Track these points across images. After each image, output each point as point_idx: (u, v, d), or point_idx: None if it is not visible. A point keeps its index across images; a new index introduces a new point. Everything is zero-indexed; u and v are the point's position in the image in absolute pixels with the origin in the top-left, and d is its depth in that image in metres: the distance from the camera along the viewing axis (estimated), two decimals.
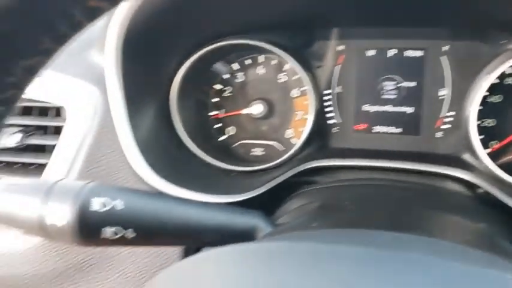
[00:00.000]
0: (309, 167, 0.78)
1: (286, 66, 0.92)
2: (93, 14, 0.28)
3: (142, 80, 0.82)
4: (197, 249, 0.76)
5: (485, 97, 0.78)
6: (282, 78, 0.92)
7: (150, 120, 0.84)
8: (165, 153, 0.85)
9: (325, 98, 0.89)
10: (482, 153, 0.78)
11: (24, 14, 0.26)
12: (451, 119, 0.84)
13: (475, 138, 0.78)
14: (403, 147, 0.87)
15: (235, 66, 0.94)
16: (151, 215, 0.56)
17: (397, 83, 0.87)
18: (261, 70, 0.93)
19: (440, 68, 0.84)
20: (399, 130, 0.88)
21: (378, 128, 0.89)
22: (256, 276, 0.32)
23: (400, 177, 0.75)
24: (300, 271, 0.32)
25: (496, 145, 0.81)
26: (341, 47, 0.88)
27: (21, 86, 0.29)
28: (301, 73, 0.87)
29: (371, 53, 0.88)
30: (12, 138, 0.81)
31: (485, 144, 0.80)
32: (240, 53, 0.93)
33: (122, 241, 0.56)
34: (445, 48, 0.83)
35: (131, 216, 0.55)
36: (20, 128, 0.83)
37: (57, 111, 0.82)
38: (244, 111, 0.93)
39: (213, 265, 0.36)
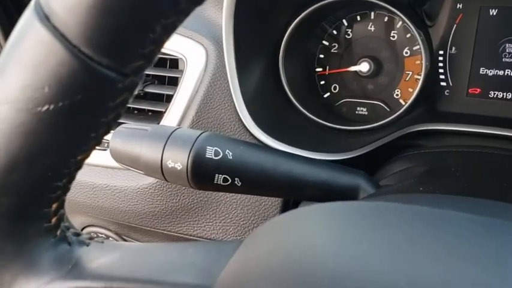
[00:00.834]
0: (415, 129, 0.76)
1: (398, 24, 0.88)
2: None
3: (253, 36, 0.84)
4: (297, 203, 0.79)
5: None
6: (393, 36, 0.89)
7: (257, 75, 0.86)
8: (270, 109, 0.87)
9: (439, 58, 0.85)
10: None
11: None
12: None
13: None
14: None
15: (345, 22, 0.92)
16: (257, 167, 0.59)
17: None
18: (371, 27, 0.91)
19: None
20: None
21: (493, 93, 0.83)
22: (357, 233, 0.33)
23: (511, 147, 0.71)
24: (401, 233, 0.32)
25: None
26: (459, 5, 0.82)
27: (159, 43, 0.32)
28: (414, 31, 0.83)
29: (493, 12, 0.81)
30: None
31: None
32: (350, 9, 0.91)
33: (229, 188, 0.60)
34: None
35: (238, 166, 0.59)
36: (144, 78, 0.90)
37: (176, 63, 0.88)
38: (352, 68, 0.91)
39: (315, 220, 0.37)
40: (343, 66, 0.93)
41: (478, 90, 0.84)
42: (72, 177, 0.36)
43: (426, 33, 0.84)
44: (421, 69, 0.83)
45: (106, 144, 0.81)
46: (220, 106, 0.83)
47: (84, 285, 0.36)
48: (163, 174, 0.58)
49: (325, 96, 0.96)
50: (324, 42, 0.94)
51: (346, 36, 0.93)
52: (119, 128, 0.64)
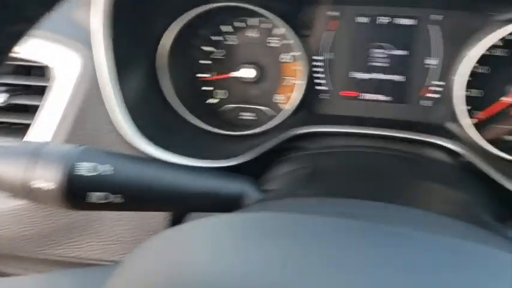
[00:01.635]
0: (296, 132, 0.78)
1: (278, 31, 0.90)
2: None
3: (131, 42, 0.80)
4: (183, 215, 0.77)
5: (473, 68, 0.79)
6: (273, 42, 0.91)
7: (138, 83, 0.83)
8: (154, 116, 0.84)
9: (316, 64, 0.89)
10: (467, 122, 0.79)
11: None
12: (440, 88, 0.85)
13: (461, 108, 0.79)
14: (390, 115, 0.88)
15: (227, 28, 0.93)
16: (140, 181, 0.56)
17: (387, 51, 0.86)
18: (252, 34, 0.92)
19: (431, 38, 0.84)
20: (387, 98, 0.88)
21: (366, 96, 0.89)
22: (239, 246, 0.33)
23: (386, 145, 0.77)
24: (281, 241, 0.33)
25: (480, 115, 0.82)
26: (334, 13, 0.87)
27: (4, 51, 0.29)
28: (292, 38, 0.86)
29: (363, 19, 0.87)
30: None
31: (471, 114, 0.81)
32: (230, 16, 0.92)
33: (110, 206, 0.56)
34: (437, 17, 0.83)
35: (119, 182, 0.55)
36: (7, 88, 0.81)
37: (42, 71, 0.81)
38: (233, 74, 0.92)
39: (198, 235, 0.36)
40: (225, 72, 0.93)
41: (352, 92, 0.89)
42: None
43: (304, 39, 0.87)
44: (300, 75, 0.86)
45: None
46: (97, 117, 0.77)
47: None
48: (29, 195, 0.52)
49: (209, 102, 0.95)
50: (205, 48, 0.93)
51: (228, 42, 0.93)
52: None
